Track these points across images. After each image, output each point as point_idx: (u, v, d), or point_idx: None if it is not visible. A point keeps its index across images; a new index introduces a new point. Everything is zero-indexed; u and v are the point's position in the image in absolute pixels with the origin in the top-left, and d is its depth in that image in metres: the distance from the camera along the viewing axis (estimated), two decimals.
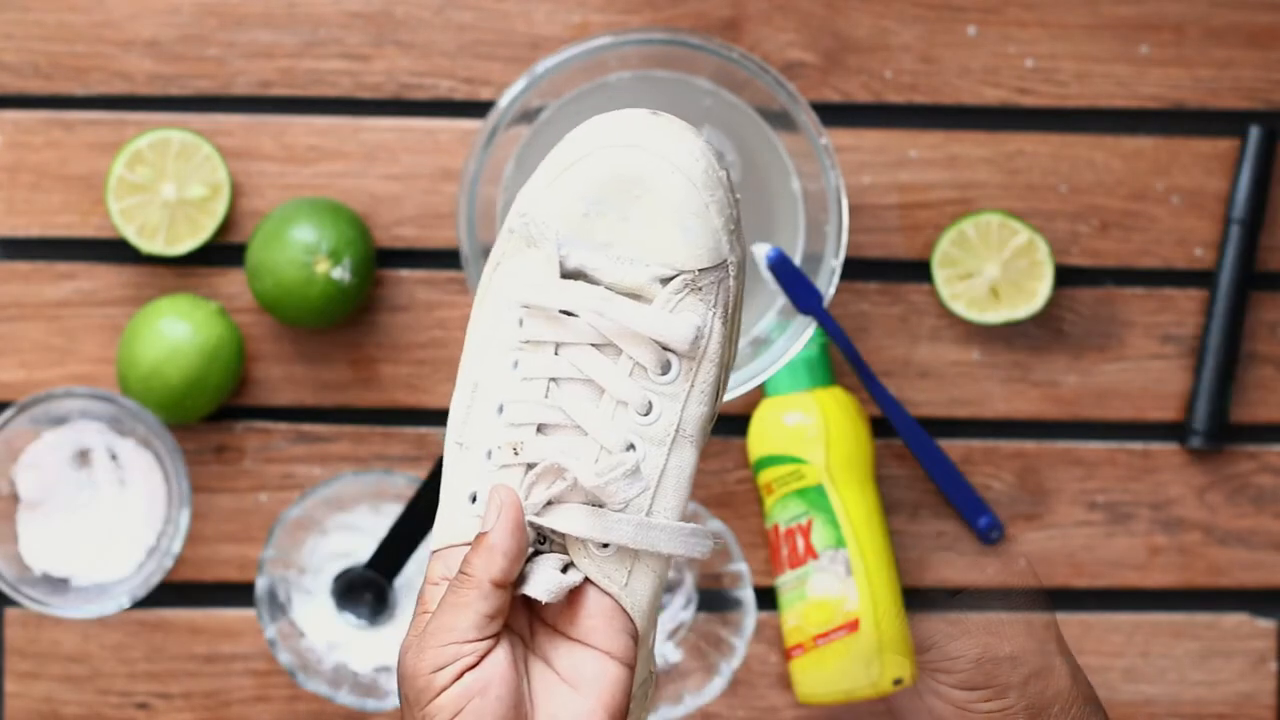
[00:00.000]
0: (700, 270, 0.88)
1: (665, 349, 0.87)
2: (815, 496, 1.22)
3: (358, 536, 1.25)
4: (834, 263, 1.18)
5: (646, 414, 0.87)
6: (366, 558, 1.24)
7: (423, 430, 1.26)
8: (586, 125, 0.89)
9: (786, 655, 1.25)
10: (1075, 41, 1.27)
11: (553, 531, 0.87)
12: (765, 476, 1.23)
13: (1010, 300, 1.25)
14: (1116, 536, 1.27)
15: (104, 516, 1.24)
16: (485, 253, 1.19)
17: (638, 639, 0.87)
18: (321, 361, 1.26)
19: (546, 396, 0.87)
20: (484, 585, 0.84)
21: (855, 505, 1.23)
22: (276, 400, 1.26)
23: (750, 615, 1.24)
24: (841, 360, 1.26)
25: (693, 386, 0.88)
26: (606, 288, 0.88)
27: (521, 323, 0.88)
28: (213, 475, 1.26)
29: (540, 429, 0.87)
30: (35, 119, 1.26)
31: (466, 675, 0.84)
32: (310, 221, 1.21)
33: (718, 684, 1.24)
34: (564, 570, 0.87)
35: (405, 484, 1.23)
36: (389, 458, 1.26)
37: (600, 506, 0.86)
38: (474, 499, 0.88)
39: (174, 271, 1.26)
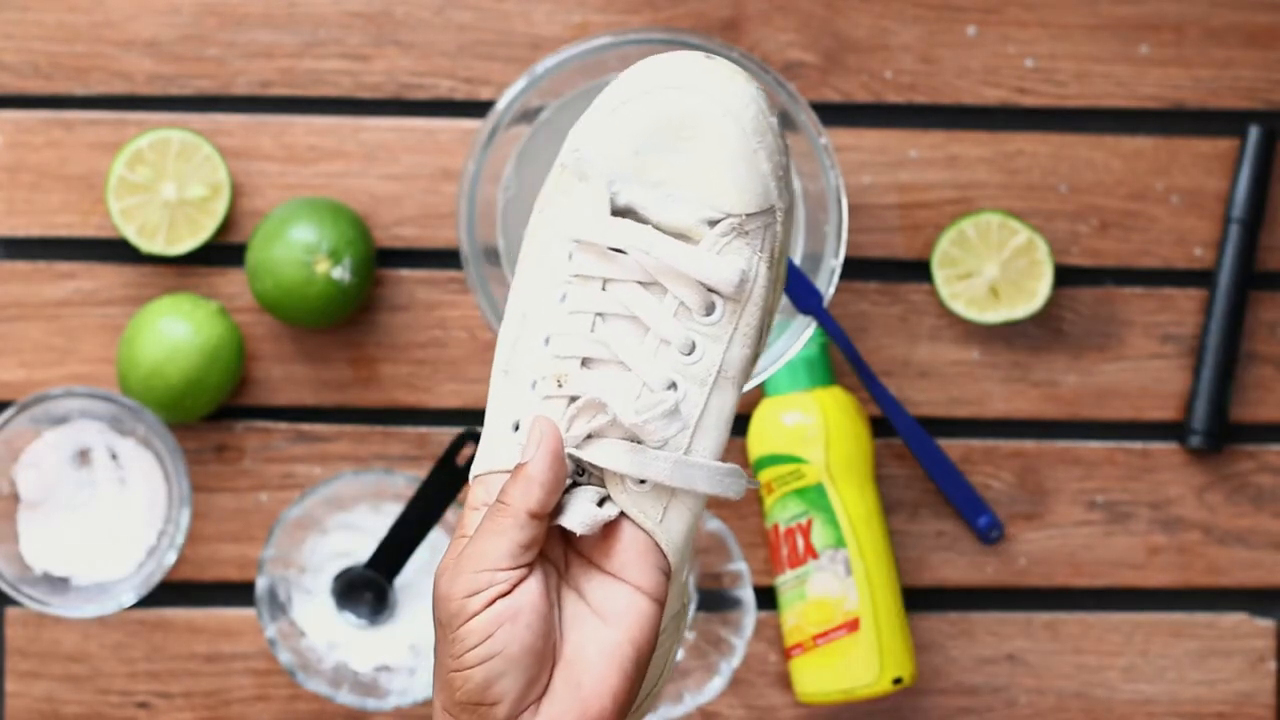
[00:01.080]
0: (748, 215, 0.89)
1: (710, 290, 0.88)
2: (815, 496, 1.22)
3: (358, 536, 1.25)
4: (834, 262, 1.18)
5: (689, 353, 0.88)
6: (366, 557, 1.24)
7: (423, 430, 1.26)
8: (641, 64, 0.90)
9: (786, 655, 1.25)
10: (1075, 41, 1.27)
11: (591, 465, 0.88)
12: (765, 476, 1.24)
13: (1010, 300, 1.25)
14: (1116, 536, 1.28)
15: (104, 516, 1.24)
16: (485, 252, 1.19)
17: (670, 575, 0.88)
18: (321, 361, 1.26)
19: (592, 331, 0.88)
20: (520, 515, 0.85)
21: (855, 505, 1.23)
22: (276, 400, 1.26)
23: (750, 615, 1.24)
24: (841, 360, 1.26)
25: (736, 329, 0.89)
26: (655, 226, 0.89)
27: (571, 256, 0.89)
28: (213, 475, 1.26)
29: (585, 362, 0.88)
30: (35, 119, 1.26)
31: (498, 602, 0.85)
32: (310, 221, 1.21)
33: (718, 683, 1.24)
34: (600, 504, 0.88)
35: (405, 484, 1.23)
36: (389, 457, 1.26)
37: (639, 442, 0.87)
38: (516, 427, 0.89)
39: (174, 271, 1.26)
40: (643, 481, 0.88)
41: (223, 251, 1.26)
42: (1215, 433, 1.26)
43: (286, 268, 1.20)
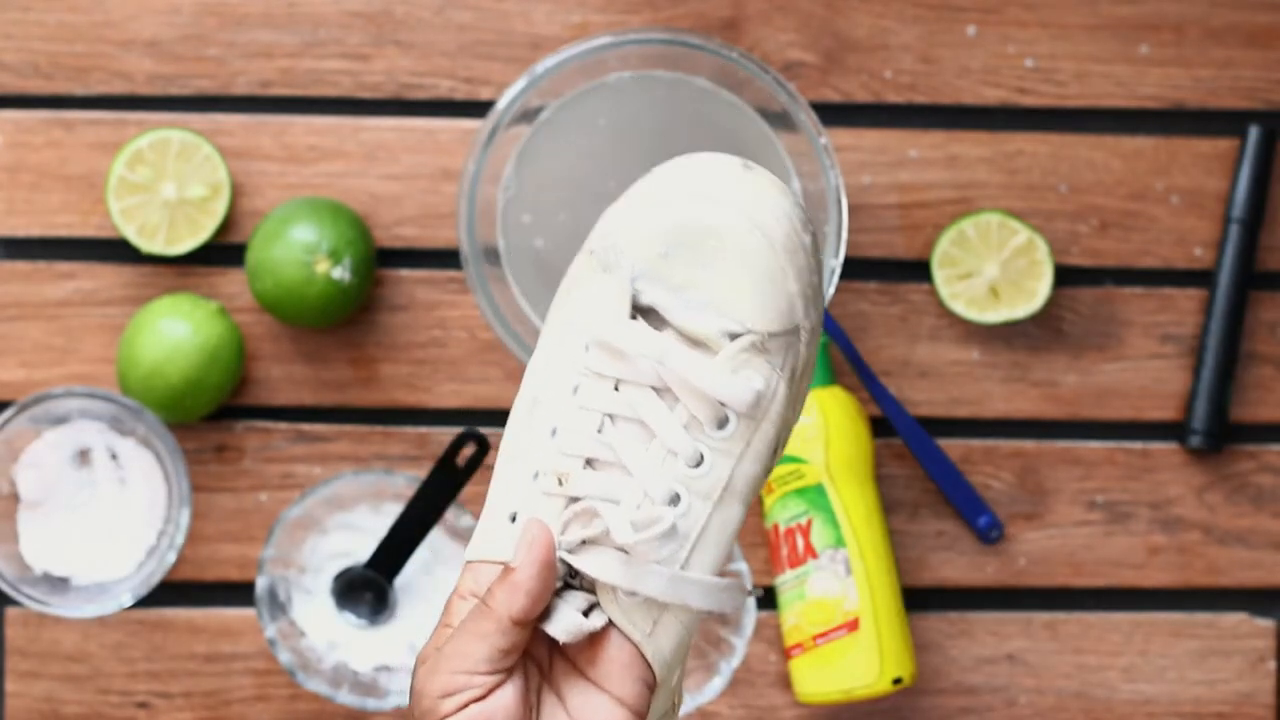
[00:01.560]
0: (770, 334, 0.87)
1: (723, 405, 0.87)
2: (815, 496, 1.22)
3: (358, 536, 1.25)
4: (834, 262, 1.18)
5: (697, 465, 0.86)
6: (366, 557, 1.24)
7: (423, 430, 1.26)
8: (678, 164, 0.88)
9: (786, 654, 1.25)
10: (1075, 41, 1.27)
11: (589, 578, 0.86)
12: None
13: (1010, 300, 1.25)
14: (1116, 536, 1.28)
15: (104, 516, 1.24)
16: (485, 252, 1.19)
17: (653, 688, 0.87)
18: (321, 361, 1.26)
19: (600, 431, 0.86)
20: (503, 620, 0.84)
21: (855, 505, 1.23)
22: (276, 400, 1.26)
23: (750, 615, 1.24)
24: (841, 360, 1.26)
25: (748, 445, 0.87)
26: (676, 329, 0.87)
27: (588, 349, 0.87)
28: (213, 475, 1.26)
29: (589, 463, 0.86)
30: (35, 119, 1.26)
31: (472, 706, 0.83)
32: (310, 221, 1.21)
33: (717, 683, 1.24)
34: (587, 612, 0.86)
35: (405, 484, 1.23)
36: (389, 457, 1.26)
37: (628, 553, 0.85)
38: (513, 518, 0.87)
39: (174, 271, 1.26)
40: (633, 594, 0.86)
41: (223, 251, 1.26)
42: (1215, 433, 1.26)
43: (286, 268, 1.20)
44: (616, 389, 0.87)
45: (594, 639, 0.86)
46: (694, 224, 0.87)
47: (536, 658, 0.87)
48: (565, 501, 0.86)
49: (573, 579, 0.86)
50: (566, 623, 0.85)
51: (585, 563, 0.85)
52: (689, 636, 0.87)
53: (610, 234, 0.88)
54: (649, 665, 0.86)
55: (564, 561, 0.85)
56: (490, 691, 0.84)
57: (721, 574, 0.92)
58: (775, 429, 0.88)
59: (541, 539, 0.84)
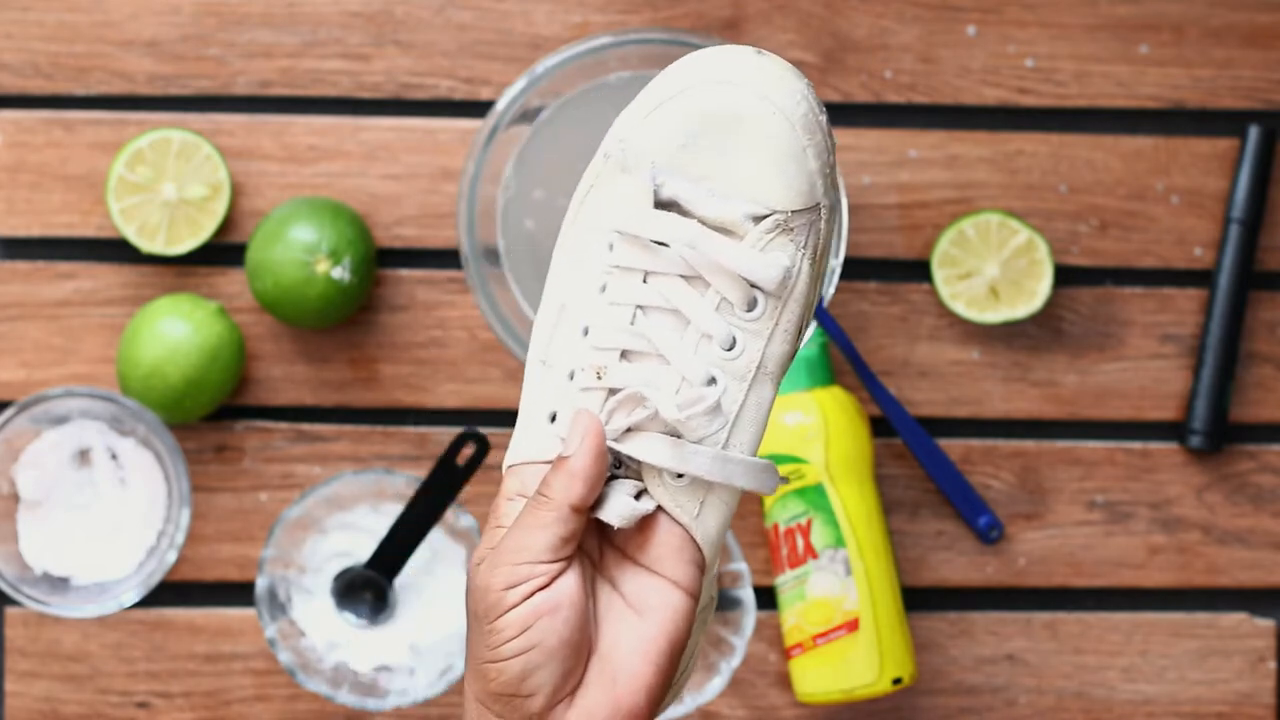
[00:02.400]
0: (793, 211, 0.89)
1: (753, 286, 0.88)
2: (815, 496, 1.22)
3: (358, 536, 1.25)
4: (834, 262, 1.18)
5: (730, 348, 0.88)
6: (366, 557, 1.24)
7: (423, 430, 1.26)
8: (690, 58, 0.90)
9: (786, 654, 1.25)
10: (1075, 41, 1.27)
11: (630, 458, 0.88)
12: None
13: (1010, 300, 1.25)
14: (1115, 536, 1.28)
15: (104, 516, 1.24)
16: (485, 252, 1.19)
17: (704, 569, 0.89)
18: (321, 361, 1.26)
19: (633, 323, 0.88)
20: (562, 509, 0.86)
21: (855, 505, 1.23)
22: (276, 400, 1.26)
23: (750, 615, 1.24)
24: (841, 360, 1.26)
25: (777, 325, 0.89)
26: (699, 220, 0.89)
27: (612, 248, 0.89)
28: (213, 475, 1.26)
29: (624, 354, 0.88)
30: (36, 119, 1.26)
31: (537, 595, 0.85)
32: (310, 221, 1.21)
33: (717, 683, 1.24)
34: (637, 497, 0.88)
35: (405, 483, 1.23)
36: (389, 457, 1.26)
37: (679, 437, 0.87)
38: (553, 418, 0.89)
39: (174, 271, 1.26)
40: (680, 476, 0.88)
41: (223, 251, 1.26)
42: (1215, 433, 1.26)
43: (286, 268, 1.20)
44: (645, 281, 0.88)
45: (643, 525, 0.88)
46: (714, 110, 0.88)
47: (586, 549, 0.89)
48: (605, 394, 0.88)
49: (618, 468, 0.88)
50: (620, 508, 0.87)
51: (634, 448, 0.87)
52: (729, 519, 0.90)
53: (626, 134, 0.90)
54: (698, 546, 0.88)
55: (611, 450, 0.87)
56: (554, 580, 0.86)
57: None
58: (800, 307, 0.89)
59: (593, 427, 0.86)
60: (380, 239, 1.26)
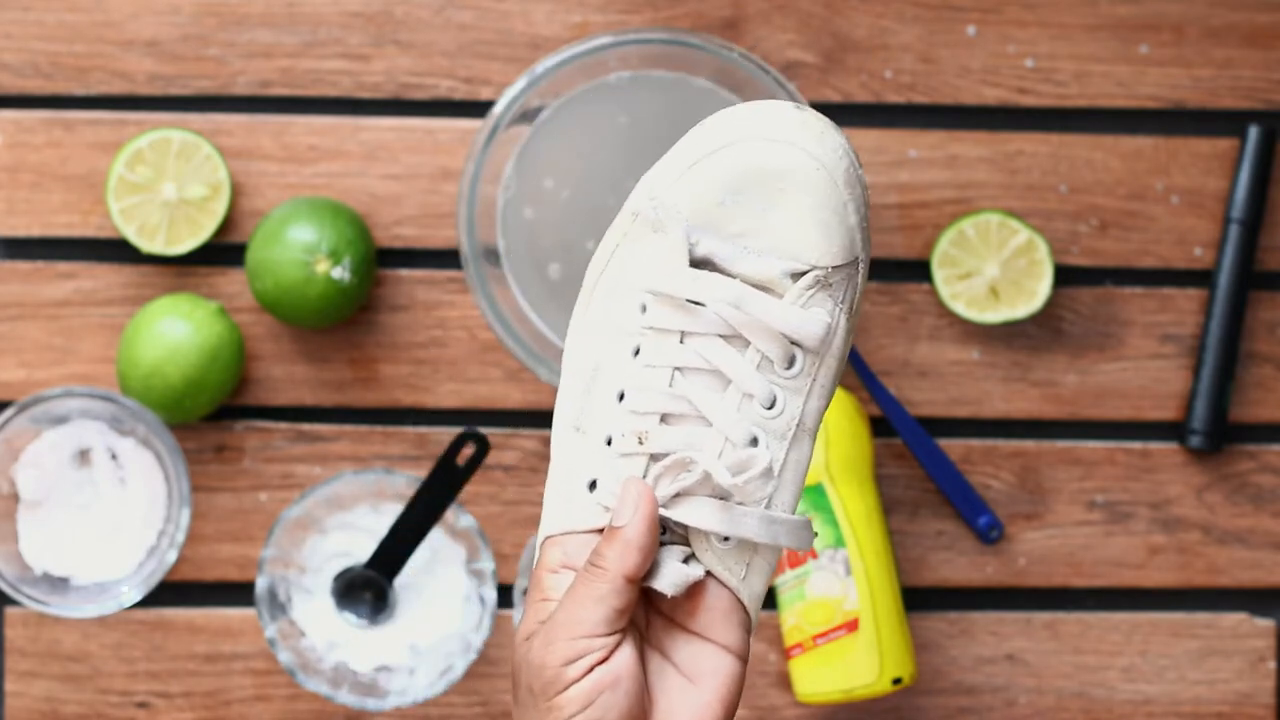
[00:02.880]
0: (834, 267, 0.88)
1: (792, 343, 0.88)
2: (815, 496, 1.22)
3: (358, 536, 1.25)
4: None
5: (770, 407, 0.87)
6: (366, 557, 1.24)
7: (423, 430, 1.26)
8: (729, 114, 0.89)
9: (786, 654, 1.25)
10: (1075, 41, 1.27)
11: (678, 524, 0.87)
12: None
13: (1010, 300, 1.25)
14: (1116, 536, 1.28)
15: (104, 516, 1.24)
16: (485, 253, 1.19)
17: (750, 630, 0.88)
18: (321, 361, 1.26)
19: (671, 385, 0.87)
20: (618, 580, 0.85)
21: (855, 505, 1.23)
22: (276, 400, 1.26)
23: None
24: None
25: (815, 381, 0.88)
26: (737, 277, 0.88)
27: (645, 309, 0.88)
28: (213, 475, 1.26)
29: (664, 418, 0.87)
30: (36, 119, 1.26)
31: (597, 669, 0.84)
32: (310, 221, 1.21)
33: None
34: (685, 562, 0.87)
35: (405, 483, 1.23)
36: (389, 457, 1.26)
37: (724, 500, 0.87)
38: (593, 486, 0.87)
39: (174, 271, 1.26)
40: (727, 539, 0.87)
41: (223, 251, 1.26)
42: (1215, 433, 1.26)
43: (286, 267, 1.20)
44: (682, 342, 0.87)
45: (691, 592, 0.87)
46: (755, 167, 0.87)
47: (634, 619, 0.88)
48: (646, 460, 0.87)
49: (663, 535, 0.88)
50: (672, 575, 0.86)
51: (684, 514, 0.86)
52: (771, 578, 0.89)
53: (659, 192, 0.89)
54: (745, 609, 0.88)
55: (660, 517, 0.87)
56: (611, 653, 0.85)
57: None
58: (837, 362, 0.89)
59: (646, 495, 0.85)
60: (380, 239, 1.26)
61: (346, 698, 1.22)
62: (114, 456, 1.24)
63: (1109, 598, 1.28)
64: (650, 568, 0.86)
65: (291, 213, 1.22)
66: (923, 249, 1.26)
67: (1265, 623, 1.28)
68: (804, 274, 0.87)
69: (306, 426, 1.26)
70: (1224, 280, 1.26)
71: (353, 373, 1.26)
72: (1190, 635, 1.28)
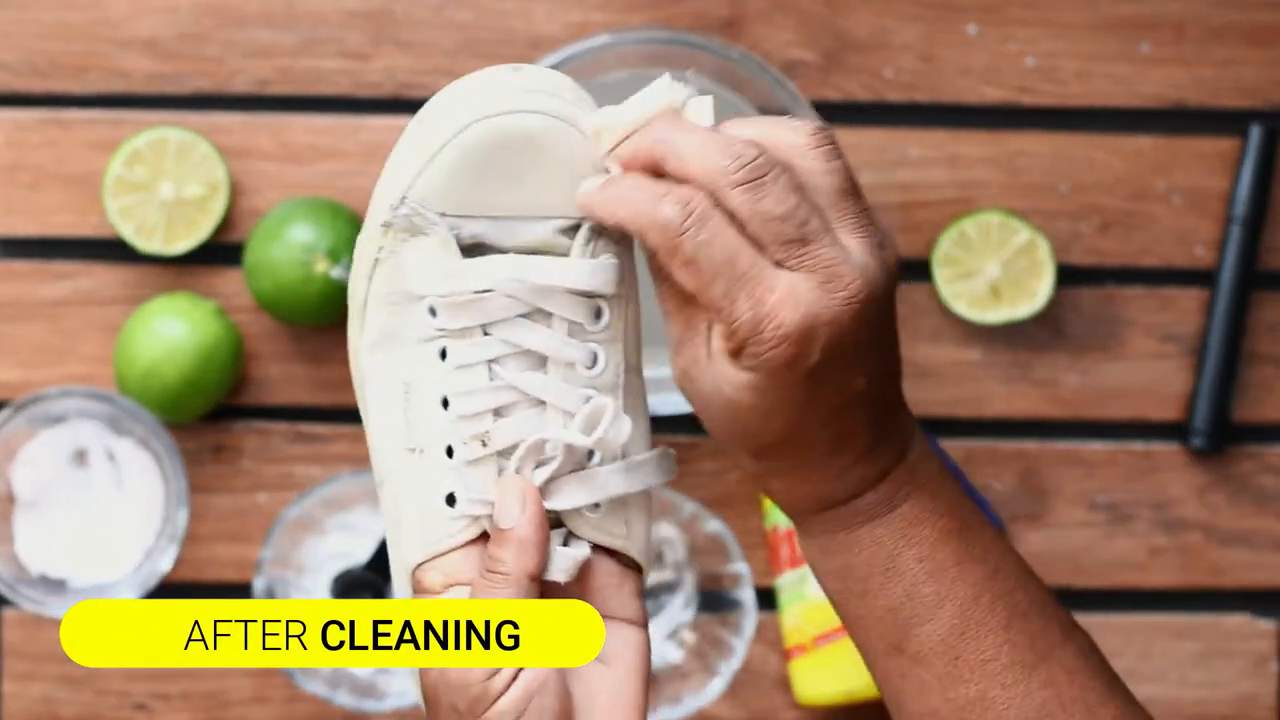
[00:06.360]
0: None
1: (593, 296, 0.85)
2: None
3: (356, 537, 1.25)
4: None
5: (592, 366, 0.85)
6: (365, 558, 1.24)
7: None
8: (447, 100, 0.85)
9: (786, 656, 1.25)
10: (1076, 40, 1.27)
11: (552, 512, 0.85)
12: None
13: (1011, 300, 1.25)
14: (1117, 537, 1.27)
15: (101, 516, 1.24)
16: None
17: (644, 587, 0.87)
18: (320, 361, 1.26)
19: (491, 380, 0.84)
20: (521, 580, 0.83)
21: None
22: (275, 400, 1.26)
23: (750, 616, 1.23)
24: None
25: (626, 322, 0.86)
26: (511, 251, 0.85)
27: (434, 312, 0.85)
28: (211, 475, 1.26)
29: (497, 413, 0.85)
30: (33, 118, 1.25)
31: (522, 675, 0.82)
32: (309, 221, 1.21)
33: (717, 685, 1.24)
34: (565, 544, 0.85)
35: None
36: None
37: (581, 470, 0.85)
38: (450, 501, 0.85)
39: (172, 271, 1.26)
40: (598, 506, 0.85)
41: (221, 251, 1.26)
42: (1217, 433, 1.26)
43: (285, 267, 1.20)
44: (486, 334, 0.84)
45: (579, 575, 0.85)
46: (498, 143, 0.84)
47: None
48: (495, 459, 0.84)
49: None
50: (561, 562, 0.84)
51: (559, 501, 0.84)
52: (651, 517, 0.87)
53: (405, 195, 0.85)
54: (637, 573, 0.86)
55: None
56: None
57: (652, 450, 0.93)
58: (636, 296, 0.87)
59: (529, 490, 0.83)
60: None
61: (345, 699, 1.22)
62: (111, 457, 1.24)
63: (1110, 599, 1.28)
64: None
65: (290, 212, 1.21)
66: (923, 249, 1.26)
67: (1268, 624, 1.28)
68: (576, 226, 0.85)
69: (305, 427, 1.26)
70: (1226, 280, 1.26)
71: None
72: (1192, 637, 1.28)
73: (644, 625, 0.86)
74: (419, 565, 0.86)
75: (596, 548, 0.86)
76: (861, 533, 0.84)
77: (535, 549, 0.83)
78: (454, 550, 0.85)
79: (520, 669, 0.82)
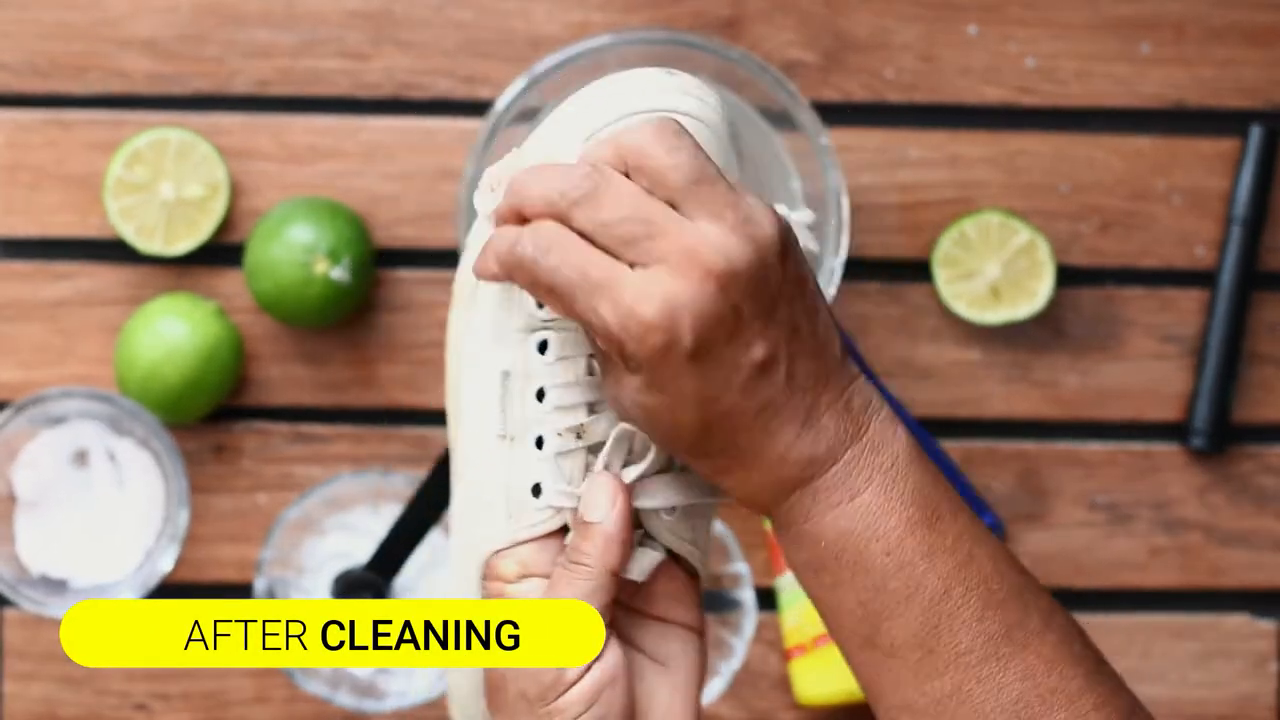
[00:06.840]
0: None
1: None
2: None
3: (356, 537, 1.25)
4: (834, 263, 1.17)
5: None
6: (365, 558, 1.24)
7: (422, 430, 1.26)
8: (605, 89, 0.86)
9: (786, 656, 1.25)
10: (1076, 41, 1.27)
11: (637, 509, 0.86)
12: None
13: (1011, 300, 1.25)
14: (1117, 537, 1.27)
15: (102, 517, 1.24)
16: None
17: (701, 603, 0.88)
18: (321, 361, 1.26)
19: (590, 374, 0.86)
20: (603, 575, 0.84)
21: None
22: (275, 400, 1.26)
23: (750, 616, 1.24)
24: None
25: None
26: None
27: (541, 304, 0.86)
28: (211, 476, 1.26)
29: (591, 408, 0.86)
30: (33, 118, 1.25)
31: (595, 667, 0.83)
32: (309, 221, 1.21)
33: (717, 685, 1.24)
34: (641, 544, 0.86)
35: (404, 484, 1.22)
36: (388, 458, 1.26)
37: (668, 472, 0.86)
38: (536, 491, 0.86)
39: (172, 271, 1.26)
40: (674, 510, 0.86)
41: (221, 251, 1.26)
42: (1217, 433, 1.26)
43: (285, 268, 1.20)
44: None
45: (650, 577, 0.86)
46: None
47: None
48: (584, 453, 0.86)
49: None
50: (640, 561, 0.85)
51: (648, 499, 0.85)
52: (712, 524, 0.88)
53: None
54: (697, 583, 0.87)
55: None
56: (603, 651, 0.84)
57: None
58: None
59: (620, 487, 0.84)
60: (380, 239, 1.26)
61: (345, 699, 1.22)
62: (112, 457, 1.24)
63: (1110, 599, 1.28)
64: None
65: (290, 212, 1.21)
66: (923, 249, 1.26)
67: (1268, 624, 1.28)
68: None
69: (305, 427, 1.26)
70: (1226, 280, 1.26)
71: (352, 373, 1.26)
72: (1192, 637, 1.28)
73: (703, 633, 0.87)
74: (496, 552, 0.86)
75: (666, 552, 0.87)
76: (825, 524, 0.84)
77: (620, 545, 0.84)
78: (533, 540, 0.86)
79: (594, 661, 0.83)
